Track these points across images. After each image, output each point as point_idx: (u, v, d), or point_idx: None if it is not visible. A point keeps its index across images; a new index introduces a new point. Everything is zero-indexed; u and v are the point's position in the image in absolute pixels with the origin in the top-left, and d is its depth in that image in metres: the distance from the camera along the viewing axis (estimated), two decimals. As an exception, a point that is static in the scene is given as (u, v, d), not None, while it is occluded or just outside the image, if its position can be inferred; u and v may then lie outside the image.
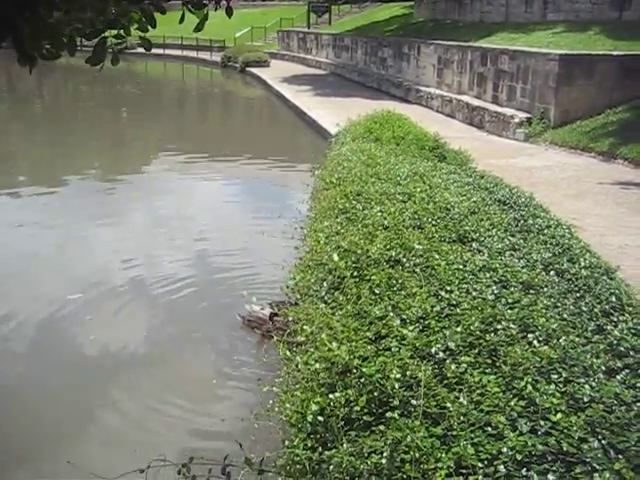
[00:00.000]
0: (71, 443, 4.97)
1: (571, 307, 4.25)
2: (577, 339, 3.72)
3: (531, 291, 4.40)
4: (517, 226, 6.12)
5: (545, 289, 4.49)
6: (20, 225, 10.01)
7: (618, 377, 3.35)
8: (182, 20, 2.72)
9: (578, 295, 4.57)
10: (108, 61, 2.68)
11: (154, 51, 36.13)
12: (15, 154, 16.50)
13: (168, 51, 41.15)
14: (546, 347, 3.49)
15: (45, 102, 25.82)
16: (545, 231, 5.96)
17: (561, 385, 3.19)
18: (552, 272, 4.88)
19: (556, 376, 3.25)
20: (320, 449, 3.12)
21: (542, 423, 2.88)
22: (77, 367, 6.02)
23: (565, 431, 2.84)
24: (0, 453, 4.85)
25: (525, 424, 2.86)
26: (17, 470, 4.72)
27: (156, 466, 3.10)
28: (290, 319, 5.14)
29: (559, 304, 4.25)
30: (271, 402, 3.84)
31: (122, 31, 2.67)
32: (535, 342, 3.55)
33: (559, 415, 2.91)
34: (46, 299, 7.21)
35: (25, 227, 9.95)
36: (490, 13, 24.02)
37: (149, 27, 2.70)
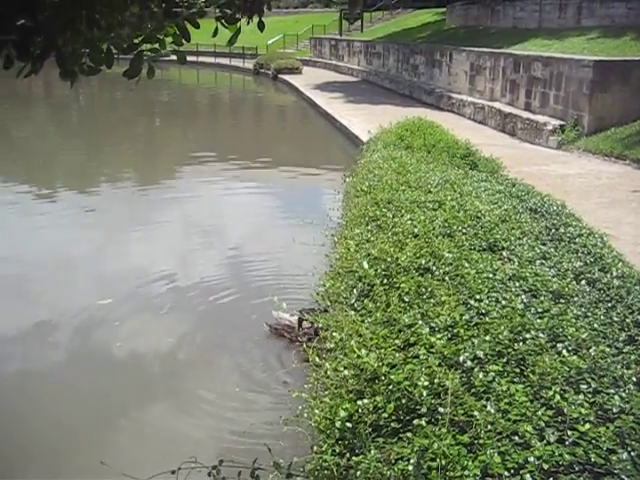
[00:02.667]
0: (102, 444, 5.07)
1: (602, 317, 4.22)
2: (607, 349, 3.70)
3: (561, 300, 4.39)
4: (548, 235, 6.10)
5: (575, 298, 4.48)
6: (54, 229, 10.22)
7: (649, 388, 3.33)
8: (215, 34, 2.80)
9: (609, 305, 4.54)
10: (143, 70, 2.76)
11: (188, 58, 36.54)
12: (51, 160, 16.84)
13: (202, 58, 41.56)
14: (575, 357, 3.48)
15: (81, 109, 26.32)
16: (577, 240, 5.92)
17: (590, 395, 3.18)
18: (583, 281, 4.85)
19: (585, 386, 3.25)
20: (348, 455, 3.16)
21: (570, 433, 2.88)
22: (105, 372, 6.12)
23: (593, 442, 2.84)
24: (33, 450, 4.97)
25: (552, 434, 2.87)
26: (51, 468, 4.83)
27: (187, 468, 3.17)
28: (319, 326, 5.20)
29: (590, 314, 4.23)
30: (300, 408, 3.89)
31: (157, 44, 2.75)
32: (564, 352, 3.55)
33: (587, 425, 2.91)
34: (77, 304, 7.34)
35: (58, 232, 10.16)
36: (523, 19, 23.85)
37: (183, 41, 2.78)
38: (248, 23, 2.85)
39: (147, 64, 2.72)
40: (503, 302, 4.19)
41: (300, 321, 6.20)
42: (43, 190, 13.04)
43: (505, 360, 3.48)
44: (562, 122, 14.68)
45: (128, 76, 2.55)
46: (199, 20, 2.82)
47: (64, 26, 2.14)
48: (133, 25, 2.45)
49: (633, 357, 3.68)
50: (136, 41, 2.56)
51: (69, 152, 17.95)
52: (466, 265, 4.82)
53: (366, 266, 5.03)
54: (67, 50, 2.21)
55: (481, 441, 2.84)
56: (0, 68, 2.37)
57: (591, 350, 3.60)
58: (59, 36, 2.16)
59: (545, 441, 2.83)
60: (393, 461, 2.93)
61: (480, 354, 3.51)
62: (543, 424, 2.93)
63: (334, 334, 4.29)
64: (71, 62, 2.26)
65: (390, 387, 3.35)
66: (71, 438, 5.16)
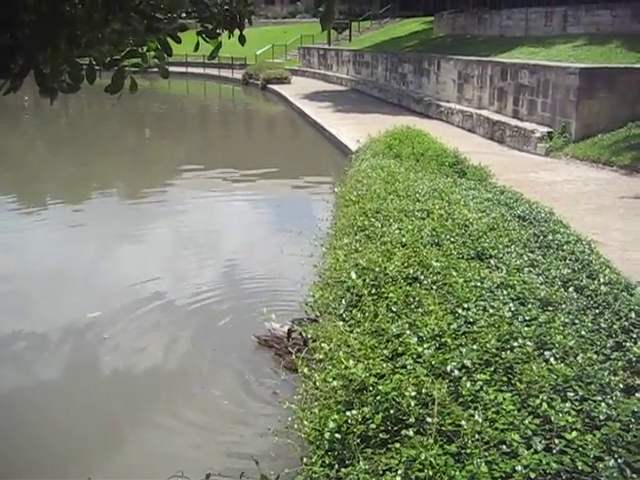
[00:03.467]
0: (89, 459, 5.03)
1: (589, 324, 4.24)
2: (595, 356, 3.72)
3: (549, 308, 4.41)
4: (536, 242, 6.11)
5: (563, 306, 4.49)
6: (43, 242, 10.19)
7: (637, 395, 3.34)
8: (197, 48, 2.81)
9: (597, 312, 4.55)
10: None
11: (177, 69, 36.61)
12: (40, 171, 16.80)
13: (191, 69, 41.65)
14: (563, 365, 3.49)
15: (70, 120, 26.28)
16: (565, 247, 5.94)
17: (577, 403, 3.19)
18: (571, 288, 4.87)
19: (572, 394, 3.26)
20: (337, 466, 3.15)
21: (557, 441, 2.89)
22: (93, 385, 6.09)
23: (580, 449, 2.85)
24: (17, 466, 4.94)
25: (540, 442, 2.88)
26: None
27: (174, 483, 3.15)
28: (309, 336, 5.19)
29: (577, 321, 4.25)
30: (290, 419, 3.88)
31: (140, 59, 2.76)
32: (552, 359, 3.55)
33: (574, 433, 2.92)
34: (66, 317, 7.32)
35: (49, 244, 10.13)
36: (510, 27, 24.03)
37: (172, 51, 2.79)
38: (230, 37, 2.86)
39: (130, 78, 2.72)
40: (491, 310, 4.20)
41: (289, 332, 6.19)
42: (31, 203, 12.99)
43: (493, 369, 3.49)
44: (550, 129, 14.77)
45: (110, 91, 2.56)
46: (186, 32, 2.83)
47: (43, 44, 2.14)
48: (114, 41, 2.45)
49: (620, 364, 3.69)
50: (117, 57, 2.57)
51: (57, 165, 17.91)
52: (454, 274, 4.83)
53: (354, 276, 5.03)
54: (46, 68, 2.21)
55: (468, 451, 2.85)
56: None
57: (578, 357, 3.61)
58: (39, 54, 2.16)
59: (532, 450, 2.84)
60: (381, 472, 2.92)
61: (468, 363, 3.51)
62: (530, 433, 2.94)
63: (323, 345, 4.29)
64: (50, 80, 2.26)
65: (378, 397, 3.35)
66: (57, 453, 5.12)
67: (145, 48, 2.65)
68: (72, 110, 28.19)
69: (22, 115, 26.93)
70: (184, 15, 2.66)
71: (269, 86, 34.28)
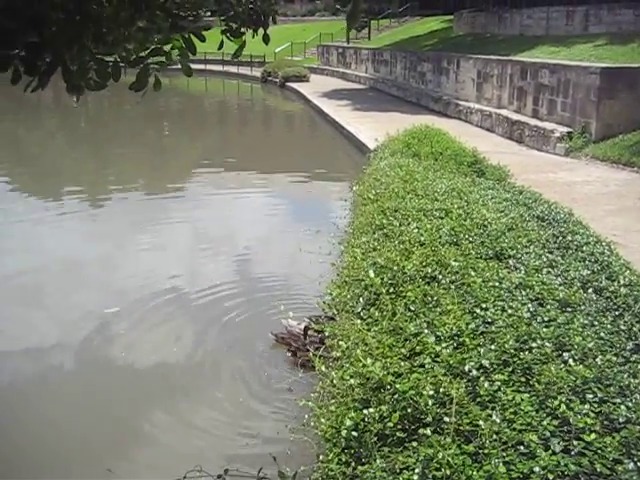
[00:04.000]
0: (107, 453, 5.08)
1: (609, 326, 4.21)
2: (614, 358, 3.69)
3: (568, 309, 4.38)
4: (555, 243, 6.08)
5: (582, 307, 4.47)
6: (63, 237, 10.28)
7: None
8: (221, 47, 2.83)
9: (617, 313, 4.52)
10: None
11: (196, 67, 36.67)
12: (61, 168, 16.96)
13: (210, 67, 41.76)
14: (581, 366, 3.47)
15: (91, 117, 26.47)
16: (584, 248, 5.91)
17: (596, 405, 3.17)
18: (590, 290, 4.84)
19: (591, 396, 3.24)
20: (354, 464, 3.16)
21: (575, 443, 2.88)
22: (109, 381, 6.14)
23: (599, 452, 2.84)
24: (37, 456, 5.00)
25: (558, 443, 2.87)
26: (57, 475, 4.85)
27: (192, 477, 3.18)
28: (326, 334, 5.21)
29: (596, 322, 4.22)
30: (306, 417, 3.90)
31: (164, 57, 2.78)
32: (570, 361, 3.54)
33: (593, 435, 2.90)
34: (84, 311, 7.36)
35: (68, 238, 10.22)
36: (530, 26, 23.88)
37: (189, 53, 2.81)
38: (253, 36, 2.87)
39: (154, 76, 2.74)
40: (509, 311, 4.19)
41: (306, 330, 6.20)
42: (52, 198, 13.12)
43: (511, 369, 3.48)
44: (569, 129, 14.66)
45: (135, 89, 2.58)
46: (206, 30, 2.85)
47: (70, 42, 2.17)
48: (139, 39, 2.48)
49: (640, 366, 3.67)
50: (142, 54, 2.59)
51: (79, 160, 18.07)
52: (472, 274, 4.82)
53: (372, 275, 5.03)
54: (73, 65, 2.24)
55: (486, 451, 2.85)
56: (7, 81, 2.40)
57: (597, 359, 3.59)
58: (65, 52, 2.19)
59: (550, 451, 2.83)
60: (398, 470, 2.93)
61: (486, 363, 3.51)
62: (549, 434, 2.93)
63: (340, 343, 4.30)
64: (77, 77, 2.29)
65: (396, 396, 3.36)
66: (76, 446, 5.17)
67: (169, 46, 2.67)
68: (93, 106, 28.39)
69: (42, 110, 27.18)
70: (208, 14, 2.68)
71: (288, 84, 34.31)
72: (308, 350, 5.66)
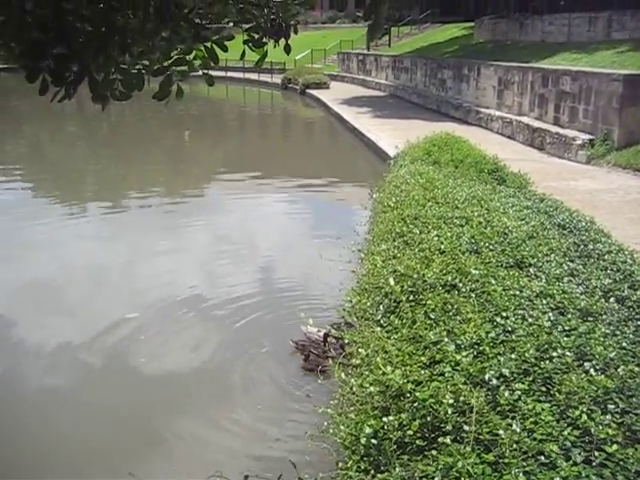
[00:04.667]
0: (128, 457, 5.12)
1: (631, 335, 4.17)
2: (636, 369, 3.66)
3: (589, 318, 4.36)
4: (576, 251, 6.05)
5: (604, 316, 4.44)
6: (84, 243, 10.39)
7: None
8: (242, 57, 2.87)
9: (639, 323, 4.49)
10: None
11: (216, 73, 36.67)
12: (82, 174, 17.14)
13: (230, 74, 41.98)
14: (603, 376, 3.45)
15: (112, 124, 26.74)
16: (606, 257, 5.86)
17: (618, 416, 3.15)
18: (612, 299, 4.80)
19: (613, 406, 3.22)
20: (373, 472, 3.17)
21: (597, 454, 2.86)
22: (128, 386, 6.19)
23: (621, 463, 2.82)
24: (61, 460, 5.05)
25: (579, 454, 2.85)
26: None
27: (213, 483, 3.20)
28: (346, 341, 5.21)
29: (618, 332, 4.19)
30: (325, 424, 3.91)
31: (186, 66, 2.82)
32: (592, 371, 3.52)
33: (615, 446, 2.88)
34: (105, 317, 7.41)
35: (88, 245, 10.32)
36: (552, 33, 23.75)
37: (211, 62, 2.85)
38: (275, 47, 2.90)
39: (176, 85, 2.78)
40: (530, 320, 4.18)
41: (326, 337, 6.22)
42: (73, 204, 13.26)
43: (531, 379, 3.47)
44: (591, 136, 14.55)
45: (158, 98, 2.62)
46: (229, 40, 2.89)
47: (97, 53, 2.21)
48: (163, 49, 2.52)
49: (663, 377, 3.63)
50: (166, 64, 2.63)
51: (100, 167, 18.26)
52: (493, 282, 4.81)
53: (392, 282, 5.04)
54: (99, 76, 2.28)
55: (506, 460, 2.84)
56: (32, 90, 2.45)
57: (619, 369, 3.56)
58: (92, 62, 2.24)
59: (571, 461, 2.81)
60: (418, 479, 2.93)
61: (506, 372, 3.50)
62: (569, 444, 2.91)
63: (360, 350, 4.31)
64: (103, 87, 2.34)
65: (415, 404, 3.36)
66: (97, 450, 5.21)
67: (192, 56, 2.71)
68: (115, 112, 28.67)
69: (65, 116, 27.51)
70: (231, 24, 2.72)
71: (308, 91, 34.40)
72: (327, 357, 5.67)
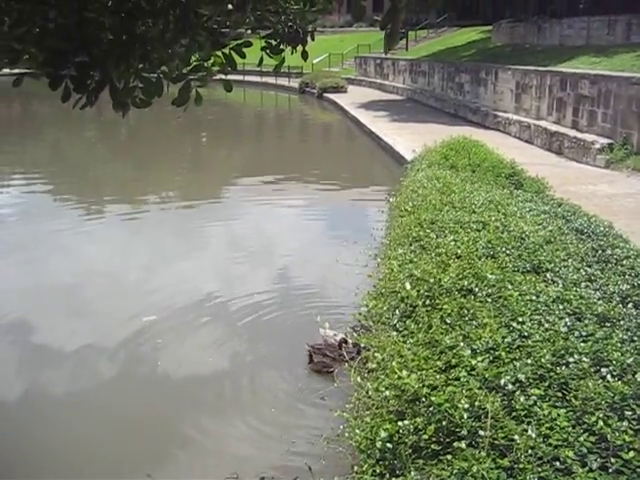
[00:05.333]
0: (145, 459, 5.15)
1: (648, 342, 4.15)
2: (654, 375, 3.64)
3: (606, 324, 4.34)
4: (594, 256, 6.02)
5: (622, 322, 4.42)
6: (101, 246, 10.48)
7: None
8: (260, 63, 2.90)
9: (657, 329, 4.46)
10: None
11: (234, 77, 36.82)
12: (101, 177, 17.29)
13: (248, 78, 42.15)
14: (620, 382, 3.44)
15: (130, 126, 26.94)
16: (624, 262, 5.83)
17: (634, 422, 3.14)
18: (630, 304, 4.78)
19: (630, 413, 3.21)
20: (388, 476, 3.18)
21: (613, 460, 2.85)
22: (145, 389, 6.23)
23: (638, 470, 2.81)
24: (79, 459, 5.11)
25: (595, 460, 2.85)
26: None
27: (229, 485, 3.23)
28: (362, 345, 5.23)
29: (636, 338, 4.17)
30: (341, 427, 3.93)
31: (205, 73, 2.86)
32: (609, 377, 3.51)
33: (632, 453, 2.87)
34: (122, 319, 7.47)
35: (106, 248, 10.41)
36: (570, 37, 23.60)
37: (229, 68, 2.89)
38: (292, 53, 2.94)
39: (195, 91, 2.82)
40: (546, 325, 4.17)
41: (342, 341, 6.23)
42: (91, 207, 13.39)
43: (547, 384, 3.47)
44: (610, 141, 14.45)
45: (177, 104, 2.66)
46: (247, 47, 2.92)
47: (118, 61, 2.26)
48: (182, 57, 2.56)
49: (681, 383, 3.61)
50: (184, 71, 2.67)
51: (118, 170, 18.41)
52: (509, 287, 4.81)
53: (409, 287, 5.06)
54: (120, 83, 2.33)
55: (521, 465, 2.84)
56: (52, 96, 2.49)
57: (637, 375, 3.55)
58: (113, 70, 2.28)
59: (587, 468, 2.81)
60: (433, 483, 2.94)
61: (522, 377, 3.50)
62: (585, 450, 2.91)
63: (376, 354, 4.32)
64: (124, 94, 2.38)
65: (431, 409, 3.37)
66: (114, 452, 5.26)
67: (211, 62, 2.75)
68: (133, 117, 28.90)
69: (85, 121, 27.77)
70: (249, 31, 2.76)
71: (325, 95, 34.45)
72: (343, 361, 5.69)
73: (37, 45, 2.26)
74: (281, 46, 2.81)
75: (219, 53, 2.82)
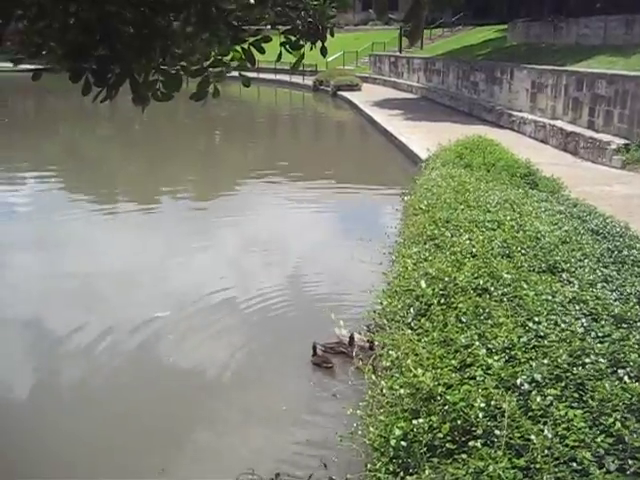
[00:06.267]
0: (160, 455, 5.16)
1: (666, 343, 4.12)
2: (672, 377, 3.61)
3: (623, 325, 4.31)
4: (610, 257, 5.98)
5: (639, 323, 4.38)
6: (115, 242, 10.52)
7: None
8: (279, 59, 2.90)
9: (674, 331, 4.42)
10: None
11: (249, 75, 37.11)
12: (115, 174, 17.35)
13: (262, 75, 42.18)
14: (637, 384, 3.41)
15: (145, 122, 27.03)
16: (641, 263, 5.79)
17: (652, 424, 3.11)
18: (647, 306, 4.74)
19: (647, 414, 3.18)
20: (402, 474, 3.17)
21: (631, 462, 2.82)
22: (155, 384, 6.23)
23: (656, 472, 2.78)
24: (91, 457, 5.12)
25: (613, 462, 2.82)
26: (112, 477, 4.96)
27: (244, 480, 3.23)
28: (376, 343, 5.22)
29: (653, 339, 4.13)
30: (354, 425, 3.92)
31: (224, 67, 2.85)
32: (626, 378, 3.48)
33: (649, 455, 2.85)
34: (135, 314, 7.49)
35: (120, 244, 10.44)
36: (587, 36, 23.43)
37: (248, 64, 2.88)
38: (311, 49, 2.93)
39: (213, 86, 2.82)
40: (562, 325, 4.14)
41: (352, 338, 6.24)
42: (105, 204, 13.43)
43: (564, 384, 3.44)
44: (627, 141, 14.33)
45: (196, 99, 2.66)
46: (266, 42, 2.91)
47: (139, 55, 2.26)
48: (202, 51, 2.56)
49: (699, 385, 3.57)
50: (203, 65, 2.67)
51: (132, 166, 18.49)
52: (525, 286, 4.78)
53: (424, 285, 5.04)
54: (141, 77, 2.33)
55: (538, 466, 2.82)
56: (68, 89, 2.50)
57: (654, 377, 3.52)
58: (134, 64, 2.28)
59: (605, 469, 2.79)
60: (448, 482, 2.93)
61: (538, 377, 3.48)
62: (603, 451, 2.89)
63: (390, 352, 4.31)
64: (144, 88, 2.38)
65: (446, 407, 3.35)
66: (128, 448, 5.26)
67: (229, 57, 2.74)
68: (148, 112, 29.01)
69: (99, 117, 27.90)
70: (268, 27, 2.76)
71: (339, 93, 34.41)
72: (355, 357, 5.69)
73: (58, 39, 2.27)
74: (300, 42, 2.80)
75: (238, 48, 2.82)
